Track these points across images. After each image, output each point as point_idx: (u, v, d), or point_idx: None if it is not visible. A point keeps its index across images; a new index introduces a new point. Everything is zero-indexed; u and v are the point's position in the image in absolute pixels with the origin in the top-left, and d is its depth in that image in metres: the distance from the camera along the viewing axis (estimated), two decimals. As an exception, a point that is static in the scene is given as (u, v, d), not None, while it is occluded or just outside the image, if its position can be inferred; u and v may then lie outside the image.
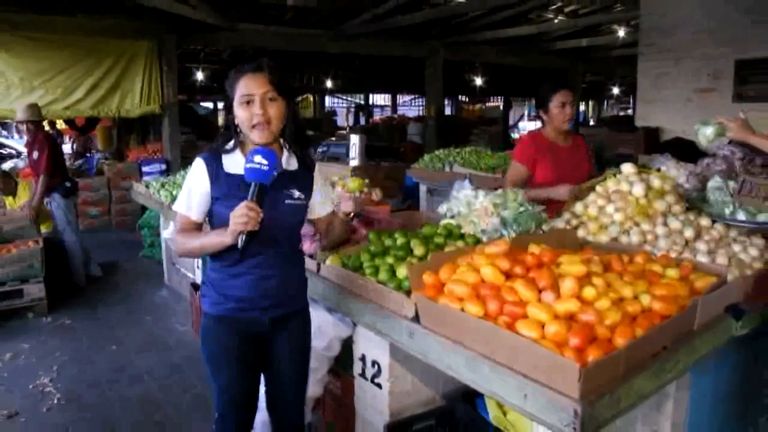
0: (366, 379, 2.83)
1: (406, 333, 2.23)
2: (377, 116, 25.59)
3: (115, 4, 8.06)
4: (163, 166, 9.22)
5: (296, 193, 2.12)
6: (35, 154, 5.58)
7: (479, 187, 3.32)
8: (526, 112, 28.84)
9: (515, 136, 20.05)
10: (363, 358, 2.85)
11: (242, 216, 1.88)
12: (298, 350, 2.30)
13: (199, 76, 14.74)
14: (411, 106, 28.38)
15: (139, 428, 3.39)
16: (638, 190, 2.83)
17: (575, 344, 1.72)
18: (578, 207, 2.98)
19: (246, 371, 2.20)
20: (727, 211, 3.09)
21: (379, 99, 28.36)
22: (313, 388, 3.10)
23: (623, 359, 1.71)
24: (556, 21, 10.96)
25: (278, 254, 2.12)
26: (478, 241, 2.74)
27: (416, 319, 2.19)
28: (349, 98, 27.18)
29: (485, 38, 11.57)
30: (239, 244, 1.95)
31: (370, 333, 2.55)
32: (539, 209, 2.97)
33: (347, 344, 2.97)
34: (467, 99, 25.12)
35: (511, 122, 23.35)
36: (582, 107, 26.28)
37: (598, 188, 3.00)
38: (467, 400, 2.58)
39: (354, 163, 7.15)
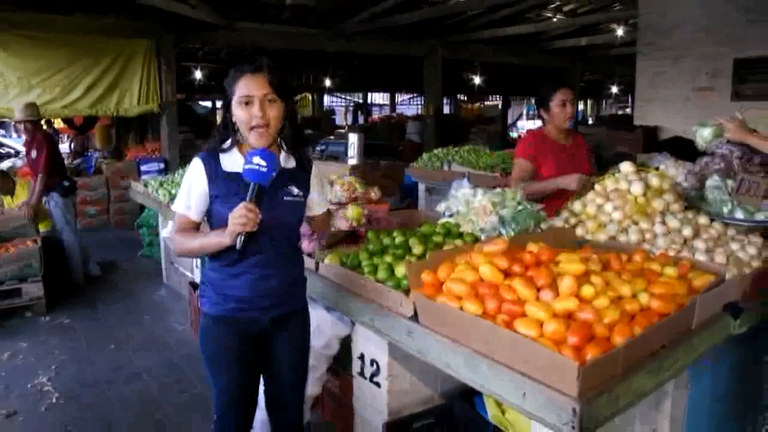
0: (365, 377, 2.83)
1: (405, 332, 2.23)
2: (376, 115, 25.58)
3: (113, 3, 8.05)
4: (162, 165, 9.21)
5: (295, 190, 2.12)
6: (34, 153, 5.57)
7: (478, 185, 3.32)
8: (524, 111, 28.84)
9: (514, 135, 20.06)
10: (362, 357, 2.85)
11: (241, 217, 1.88)
12: (297, 350, 2.29)
13: (198, 75, 14.73)
14: (410, 105, 28.37)
15: (138, 427, 3.39)
16: (637, 188, 2.84)
17: (574, 343, 1.72)
18: (577, 205, 2.99)
19: (246, 371, 2.20)
20: (726, 210, 3.10)
21: (378, 98, 28.35)
22: (312, 387, 3.10)
23: (622, 358, 1.72)
24: (554, 20, 10.96)
25: (278, 253, 2.12)
26: (476, 240, 2.74)
27: (415, 317, 2.19)
28: (347, 97, 27.17)
29: (484, 37, 11.57)
30: (238, 245, 1.95)
31: (369, 332, 2.55)
32: (538, 208, 2.97)
33: (346, 343, 2.97)
34: (466, 98, 25.11)
35: (509, 121, 23.35)
36: (580, 106, 26.28)
37: (597, 187, 3.00)
38: (466, 398, 2.58)
39: (352, 161, 7.12)
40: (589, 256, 2.14)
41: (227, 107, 2.06)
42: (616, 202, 2.82)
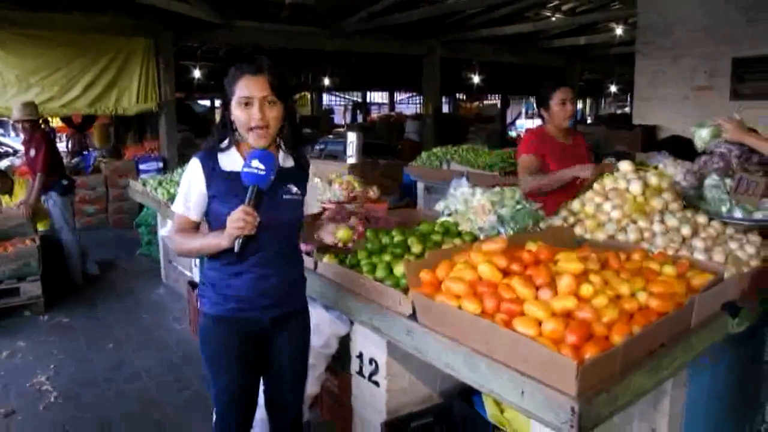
0: (363, 377, 2.83)
1: (404, 331, 2.23)
2: (375, 114, 25.55)
3: (112, 2, 8.05)
4: (160, 164, 9.21)
5: (294, 189, 2.12)
6: (32, 152, 5.57)
7: (476, 184, 3.33)
8: (523, 110, 28.82)
9: (513, 134, 20.05)
10: (360, 356, 2.85)
11: (239, 221, 1.88)
12: (297, 350, 2.29)
13: (196, 73, 14.71)
14: (408, 104, 28.34)
15: (137, 427, 3.39)
16: (635, 187, 2.84)
17: (572, 342, 1.73)
18: (575, 204, 2.99)
19: (246, 371, 2.19)
20: (724, 209, 3.10)
21: (377, 97, 28.30)
22: (311, 386, 3.10)
23: (620, 356, 1.72)
24: (553, 19, 10.96)
25: (278, 253, 2.12)
26: (475, 239, 2.75)
27: (413, 316, 2.19)
28: (346, 96, 27.14)
29: (482, 36, 11.57)
30: (236, 248, 1.95)
31: (368, 331, 2.55)
32: (537, 206, 2.97)
33: (345, 342, 2.97)
34: (465, 97, 25.10)
35: (508, 120, 23.34)
36: (579, 105, 26.28)
37: (596, 186, 3.00)
38: (465, 397, 2.58)
39: (351, 160, 7.13)
40: (588, 255, 2.14)
41: (226, 106, 2.05)
42: (614, 201, 2.82)
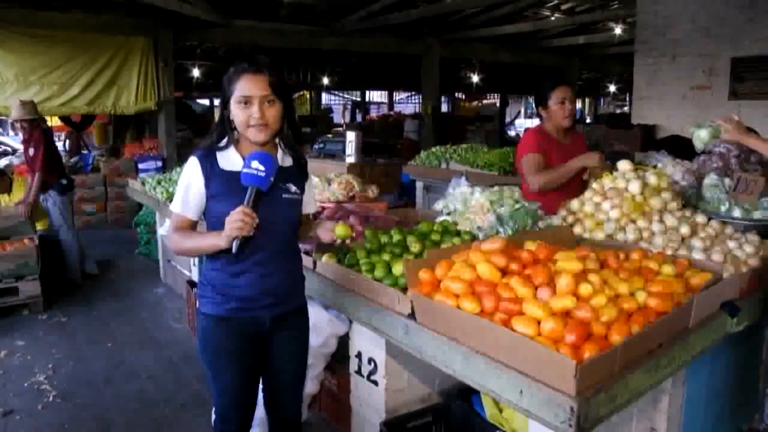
0: (362, 376, 2.83)
1: (402, 330, 2.23)
2: (374, 113, 25.54)
3: (111, 1, 8.03)
4: (159, 163, 9.20)
5: (293, 188, 2.12)
6: (31, 151, 5.55)
7: (475, 184, 3.32)
8: (522, 109, 28.82)
9: (512, 133, 20.05)
10: (359, 355, 2.85)
11: (237, 221, 1.88)
12: (297, 349, 2.28)
13: (195, 72, 14.69)
14: (407, 103, 28.33)
15: (135, 426, 3.39)
16: (634, 187, 2.84)
17: (571, 341, 1.73)
18: (575, 204, 2.99)
19: (246, 371, 2.19)
20: (723, 208, 3.10)
21: (376, 96, 28.29)
22: (310, 386, 3.11)
23: (619, 356, 1.72)
24: (552, 18, 10.97)
25: (278, 251, 2.12)
26: (474, 238, 2.74)
27: (412, 316, 2.19)
28: (345, 95, 27.13)
29: (481, 35, 11.58)
30: (233, 249, 1.94)
31: (367, 330, 2.55)
32: (536, 206, 2.97)
33: (343, 341, 2.97)
34: (464, 96, 25.09)
35: (507, 119, 23.35)
36: (578, 105, 26.28)
37: (594, 185, 3.00)
38: (463, 397, 2.58)
39: (350, 160, 7.14)
40: (587, 255, 2.15)
41: (225, 105, 2.05)
42: (613, 201, 2.82)
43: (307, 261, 2.78)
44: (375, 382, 2.75)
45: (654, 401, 2.16)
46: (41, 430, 3.35)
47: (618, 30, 11.10)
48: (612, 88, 22.81)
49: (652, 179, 2.91)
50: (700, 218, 2.76)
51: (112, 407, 3.57)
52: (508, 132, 20.43)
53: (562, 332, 1.75)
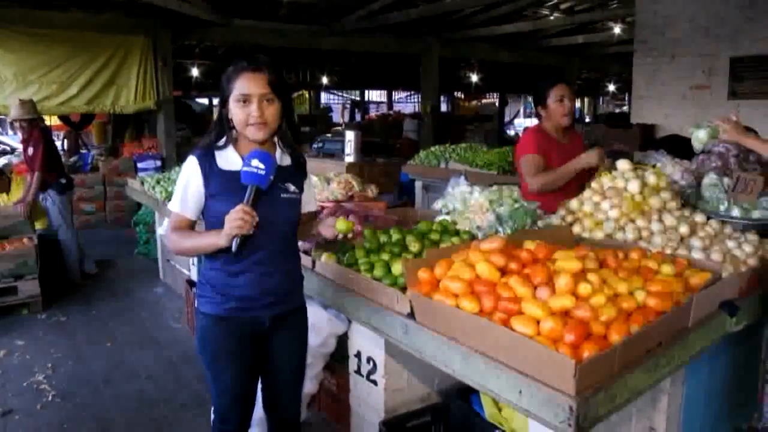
0: (361, 375, 2.83)
1: (402, 329, 2.23)
2: (373, 113, 25.54)
3: (110, 0, 8.02)
4: (159, 163, 9.20)
5: (291, 187, 2.11)
6: (30, 151, 5.55)
7: (475, 183, 3.32)
8: (521, 109, 28.83)
9: (511, 132, 20.05)
10: (358, 355, 2.85)
11: (237, 220, 1.87)
12: (296, 349, 2.28)
13: (194, 72, 14.68)
14: (407, 103, 28.33)
15: (135, 426, 3.38)
16: (633, 186, 2.83)
17: (570, 340, 1.73)
18: (574, 203, 2.99)
19: (246, 371, 2.18)
20: (722, 208, 3.10)
21: (375, 95, 28.29)
22: (309, 385, 3.11)
23: (618, 355, 1.72)
24: (551, 18, 10.96)
25: (277, 251, 2.11)
26: (473, 238, 2.74)
27: (411, 315, 2.19)
28: (344, 94, 27.12)
29: (481, 35, 11.57)
30: (233, 248, 1.94)
31: (366, 330, 2.55)
32: (535, 205, 2.97)
33: (342, 341, 2.97)
34: (463, 95, 25.10)
35: (506, 119, 23.35)
36: (578, 104, 26.28)
37: (594, 185, 3.00)
38: (463, 396, 2.58)
39: (350, 159, 7.14)
40: (586, 254, 2.15)
41: (223, 103, 2.04)
42: (612, 200, 2.82)
43: (306, 260, 2.78)
44: (374, 382, 2.75)
45: (653, 401, 2.16)
46: (40, 430, 3.35)
47: (617, 29, 11.09)
48: (611, 87, 22.81)
49: (651, 179, 2.90)
50: (699, 218, 2.76)
51: (111, 407, 3.57)
52: (507, 131, 20.42)
53: (561, 332, 1.75)
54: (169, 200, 2.22)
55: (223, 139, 2.07)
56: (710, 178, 3.31)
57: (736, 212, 3.04)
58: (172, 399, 3.64)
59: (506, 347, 1.79)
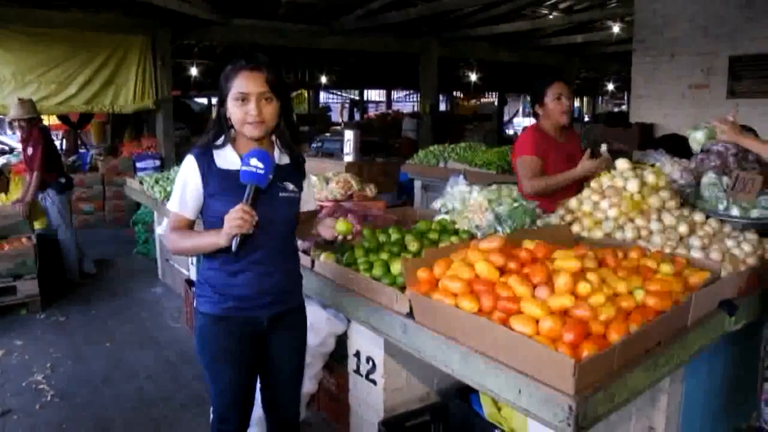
0: (360, 375, 2.83)
1: (401, 329, 2.23)
2: (372, 112, 25.54)
3: (108, -1, 8.04)
4: (158, 162, 9.19)
5: (290, 186, 2.11)
6: (29, 150, 5.54)
7: (474, 183, 3.32)
8: (520, 108, 28.84)
9: (510, 132, 20.06)
10: (357, 355, 2.85)
11: (236, 219, 1.87)
12: (295, 348, 2.28)
13: (193, 71, 14.68)
14: (406, 102, 28.33)
15: (134, 425, 3.38)
16: (632, 185, 2.83)
17: (569, 340, 1.73)
18: (573, 203, 2.99)
19: (245, 371, 2.18)
20: (721, 207, 3.10)
21: (374, 95, 28.28)
22: (308, 385, 3.11)
23: (617, 355, 1.72)
24: (550, 17, 10.96)
25: (276, 250, 2.11)
26: (472, 237, 2.74)
27: (410, 315, 2.19)
28: (343, 94, 27.12)
29: (480, 34, 11.57)
30: (233, 247, 1.94)
31: (365, 329, 2.55)
32: (534, 205, 2.97)
33: (342, 340, 2.97)
34: (462, 95, 25.10)
35: (505, 118, 23.36)
36: (576, 103, 26.29)
37: (593, 184, 3.00)
38: (462, 396, 2.58)
39: (348, 158, 7.14)
40: (585, 253, 2.15)
41: (222, 102, 2.04)
42: (611, 200, 2.82)
43: (305, 260, 2.77)
44: (373, 381, 2.75)
45: (652, 400, 2.16)
46: (39, 430, 3.34)
47: (616, 29, 11.09)
48: (610, 86, 22.81)
49: (650, 178, 2.90)
50: (699, 217, 2.76)
51: (110, 407, 3.57)
52: (507, 130, 20.44)
53: (560, 331, 1.75)
54: (168, 200, 2.22)
55: (222, 139, 2.06)
56: (709, 178, 3.31)
57: (735, 211, 3.04)
58: (171, 399, 3.64)
59: (505, 347, 1.79)
